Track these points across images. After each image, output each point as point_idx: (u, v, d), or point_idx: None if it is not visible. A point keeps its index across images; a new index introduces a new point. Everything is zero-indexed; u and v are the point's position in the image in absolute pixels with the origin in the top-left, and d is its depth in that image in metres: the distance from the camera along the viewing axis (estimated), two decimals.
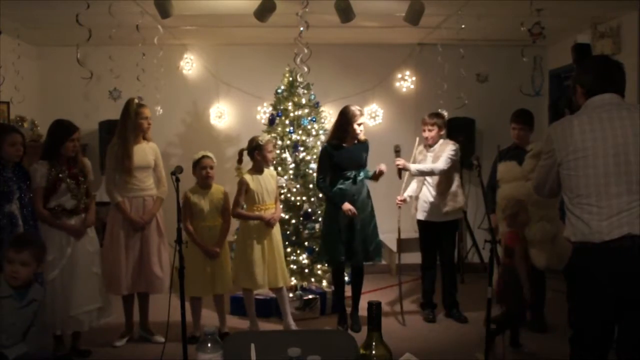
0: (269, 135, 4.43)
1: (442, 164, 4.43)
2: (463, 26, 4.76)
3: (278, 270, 4.24)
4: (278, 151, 4.99)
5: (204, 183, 4.18)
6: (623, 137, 2.28)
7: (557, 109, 5.59)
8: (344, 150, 4.35)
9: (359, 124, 4.31)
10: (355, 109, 4.33)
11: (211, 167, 4.17)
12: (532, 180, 2.74)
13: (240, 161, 4.39)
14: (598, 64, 2.54)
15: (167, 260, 4.12)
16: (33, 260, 2.84)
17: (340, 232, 4.31)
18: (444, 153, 4.48)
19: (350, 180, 4.33)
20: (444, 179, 4.54)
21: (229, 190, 4.33)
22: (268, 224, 4.18)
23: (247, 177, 4.21)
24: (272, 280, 4.23)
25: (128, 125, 4.02)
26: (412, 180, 4.78)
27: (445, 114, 4.96)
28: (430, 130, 4.55)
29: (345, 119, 4.31)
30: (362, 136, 4.36)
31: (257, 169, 4.26)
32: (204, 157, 4.15)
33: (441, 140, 4.61)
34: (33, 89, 6.04)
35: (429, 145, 4.61)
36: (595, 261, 2.31)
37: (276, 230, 4.30)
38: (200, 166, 4.14)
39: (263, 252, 4.18)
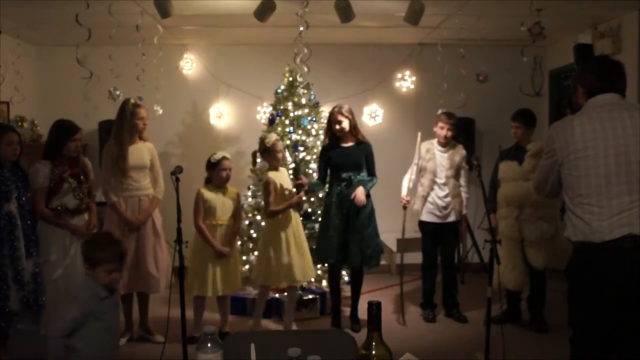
0: (275, 135, 4.31)
1: (466, 183, 4.68)
2: (463, 27, 4.76)
3: (306, 264, 4.25)
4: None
5: (221, 183, 4.19)
6: (624, 137, 2.28)
7: (559, 109, 5.60)
8: (340, 150, 4.35)
9: (334, 122, 4.30)
10: (334, 107, 4.38)
11: (230, 169, 4.19)
12: (533, 180, 2.74)
13: (254, 163, 4.40)
14: (599, 64, 2.55)
15: (163, 260, 4.11)
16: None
17: (334, 233, 4.30)
18: (461, 163, 4.60)
19: (346, 183, 4.31)
20: (455, 184, 4.59)
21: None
22: (299, 204, 4.22)
23: (272, 175, 4.20)
24: (306, 274, 4.26)
25: (124, 126, 4.03)
26: (404, 180, 4.75)
27: None
28: (449, 130, 4.55)
29: (328, 118, 4.41)
30: (343, 132, 4.31)
31: (274, 167, 4.25)
32: (224, 158, 4.16)
33: (458, 146, 4.65)
34: (33, 88, 6.03)
35: (442, 143, 4.61)
36: (596, 261, 2.31)
37: (301, 225, 4.32)
38: (220, 167, 4.14)
39: (292, 247, 4.18)
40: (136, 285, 4.07)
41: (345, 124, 4.30)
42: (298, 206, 4.29)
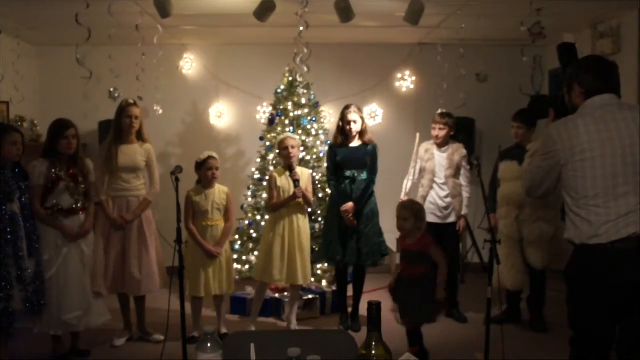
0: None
1: (467, 183, 4.65)
2: (463, 26, 4.76)
3: (304, 266, 4.25)
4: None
5: (209, 183, 4.18)
6: (629, 137, 2.27)
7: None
8: (345, 149, 4.37)
9: (349, 122, 4.32)
10: (346, 107, 4.39)
11: (217, 168, 4.19)
12: (523, 182, 2.68)
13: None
14: (597, 64, 2.53)
15: (148, 263, 4.06)
16: None
17: (338, 232, 4.32)
18: (461, 163, 4.60)
19: (349, 181, 4.34)
20: (455, 183, 4.59)
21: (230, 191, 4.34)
22: (294, 196, 4.16)
23: (277, 173, 4.32)
24: (306, 276, 4.27)
25: (115, 125, 4.07)
26: (407, 181, 4.76)
27: None
28: (441, 129, 4.55)
29: (340, 118, 4.42)
30: (355, 132, 4.34)
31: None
32: (210, 157, 4.16)
33: (455, 144, 4.64)
34: (32, 88, 6.03)
35: (438, 144, 4.62)
36: (602, 262, 2.29)
37: (304, 225, 4.30)
38: (206, 167, 4.15)
39: (284, 246, 4.19)
40: (119, 286, 4.06)
41: (359, 125, 4.35)
42: (307, 203, 4.27)
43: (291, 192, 4.20)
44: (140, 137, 4.15)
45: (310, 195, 4.32)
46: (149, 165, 4.16)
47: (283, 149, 4.26)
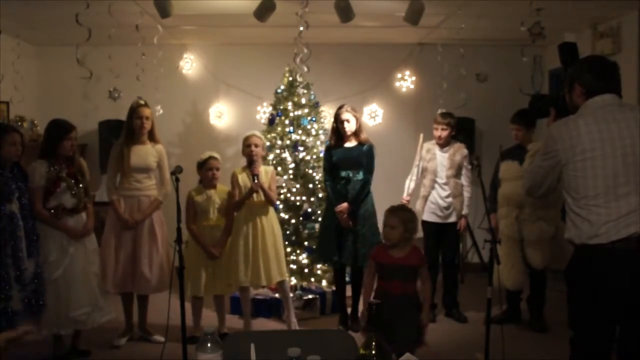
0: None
1: (468, 183, 4.64)
2: (463, 26, 4.76)
3: (272, 265, 4.21)
4: (278, 151, 5.00)
5: (209, 184, 4.18)
6: (630, 137, 2.27)
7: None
8: (341, 150, 4.38)
9: (342, 121, 4.32)
10: (340, 107, 4.39)
11: (217, 169, 4.19)
12: (524, 182, 2.68)
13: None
14: (598, 64, 2.53)
15: (159, 262, 4.07)
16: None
17: (335, 232, 4.33)
18: (462, 163, 4.59)
19: (344, 181, 4.34)
20: (456, 183, 4.59)
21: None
22: (251, 190, 4.12)
23: (239, 172, 4.29)
24: (255, 278, 4.21)
25: (126, 125, 4.09)
26: (409, 181, 4.77)
27: None
28: (443, 130, 4.55)
29: (334, 118, 4.42)
30: (349, 131, 4.33)
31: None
32: (210, 158, 4.16)
33: (457, 144, 4.64)
34: (32, 88, 6.03)
35: (440, 144, 4.62)
36: (602, 262, 2.29)
37: (269, 225, 4.26)
38: (206, 167, 4.15)
39: (247, 248, 4.16)
40: (127, 285, 4.07)
41: (352, 124, 4.33)
42: (269, 201, 4.21)
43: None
44: (152, 137, 4.16)
45: (273, 193, 4.27)
46: (160, 166, 4.18)
47: (246, 146, 4.24)
